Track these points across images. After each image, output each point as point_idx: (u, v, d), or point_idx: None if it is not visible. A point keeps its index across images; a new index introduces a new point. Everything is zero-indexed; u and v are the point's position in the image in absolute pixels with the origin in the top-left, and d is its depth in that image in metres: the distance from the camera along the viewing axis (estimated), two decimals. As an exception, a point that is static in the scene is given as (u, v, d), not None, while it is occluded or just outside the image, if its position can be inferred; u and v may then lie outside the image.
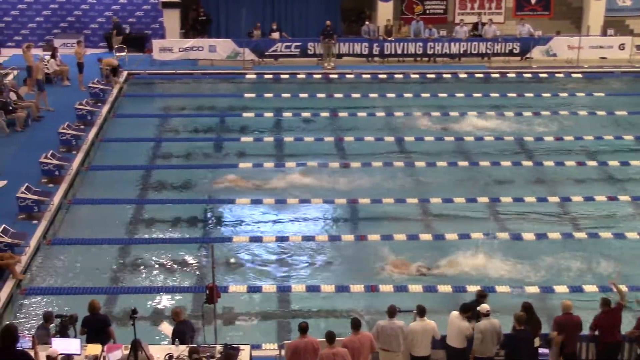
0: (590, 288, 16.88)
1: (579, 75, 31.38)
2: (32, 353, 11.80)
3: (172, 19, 32.99)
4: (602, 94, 29.41)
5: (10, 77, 28.47)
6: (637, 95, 29.92)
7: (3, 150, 22.87)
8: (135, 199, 21.07)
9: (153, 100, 29.45)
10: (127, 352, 12.51)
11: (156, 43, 31.96)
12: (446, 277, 17.42)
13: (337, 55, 32.06)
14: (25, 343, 12.16)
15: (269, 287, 17.02)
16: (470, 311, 13.59)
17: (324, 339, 12.63)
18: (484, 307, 13.53)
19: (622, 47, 32.76)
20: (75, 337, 13.67)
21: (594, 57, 32.63)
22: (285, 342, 13.58)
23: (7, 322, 14.46)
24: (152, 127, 26.08)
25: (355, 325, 13.03)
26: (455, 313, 13.63)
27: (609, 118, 27.06)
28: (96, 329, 13.71)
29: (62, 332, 13.60)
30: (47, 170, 21.51)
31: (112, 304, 16.41)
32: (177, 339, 13.33)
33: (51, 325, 13.80)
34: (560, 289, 16.91)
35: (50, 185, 21.09)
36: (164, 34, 33.29)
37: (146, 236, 19.38)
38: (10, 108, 25.01)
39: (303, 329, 12.93)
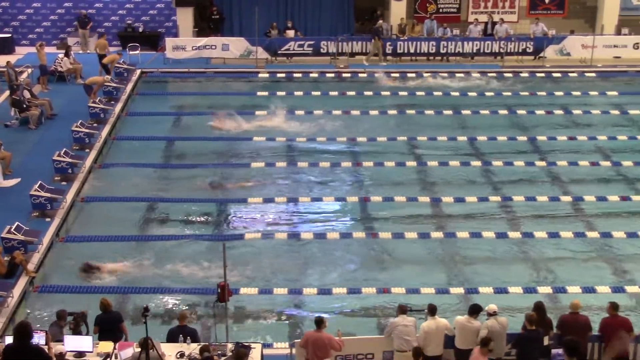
0: (603, 289, 16.88)
1: (593, 75, 31.25)
2: (46, 349, 11.87)
3: (185, 18, 33.07)
4: (616, 93, 29.28)
5: (25, 75, 28.59)
6: (651, 95, 29.86)
7: (17, 148, 22.95)
8: (148, 197, 21.11)
9: (166, 99, 29.50)
10: (138, 349, 12.55)
11: (169, 41, 32.00)
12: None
13: (349, 53, 32.01)
14: (39, 339, 12.22)
15: (280, 290, 17.03)
16: (479, 312, 13.61)
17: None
18: (491, 307, 13.58)
19: (636, 46, 32.55)
20: (87, 334, 13.77)
21: (608, 57, 32.43)
22: (296, 340, 13.67)
23: (22, 319, 14.53)
24: (165, 125, 26.14)
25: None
26: (461, 318, 13.64)
27: (623, 117, 26.95)
28: (109, 327, 13.80)
29: (75, 330, 13.70)
30: (60, 168, 21.60)
31: (124, 303, 16.47)
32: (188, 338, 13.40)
33: (64, 323, 13.89)
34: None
35: (64, 183, 21.19)
36: (177, 33, 33.38)
37: (159, 234, 19.44)
38: (24, 106, 25.14)
39: (317, 323, 13.27)
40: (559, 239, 19.02)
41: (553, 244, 18.92)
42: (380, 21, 32.79)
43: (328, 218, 20.30)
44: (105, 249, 18.50)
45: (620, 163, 23.16)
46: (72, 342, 13.08)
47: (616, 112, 27.38)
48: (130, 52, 32.07)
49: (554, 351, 13.62)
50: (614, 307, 13.73)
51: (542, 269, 17.97)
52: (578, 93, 29.18)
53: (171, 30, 34.42)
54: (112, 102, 27.10)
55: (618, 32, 33.57)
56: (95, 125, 24.85)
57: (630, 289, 16.96)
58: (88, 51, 32.91)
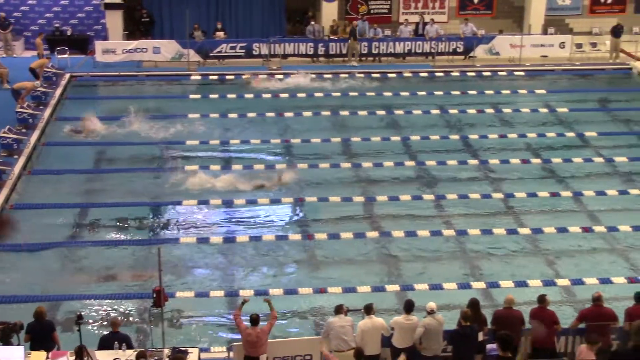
0: (535, 283, 17.21)
1: (521, 73, 31.87)
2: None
3: (114, 21, 32.60)
4: (544, 91, 29.92)
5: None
6: (577, 93, 30.54)
7: (-59, 155, 22.38)
8: (79, 203, 20.78)
9: (96, 103, 29.03)
10: (72, 358, 12.32)
11: (99, 45, 31.53)
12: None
13: (282, 55, 31.99)
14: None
15: (216, 292, 16.93)
16: (414, 307, 13.74)
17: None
18: (430, 305, 13.70)
19: (562, 45, 33.35)
20: (19, 344, 13.44)
21: (535, 56, 33.15)
22: (235, 344, 13.62)
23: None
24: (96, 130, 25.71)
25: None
26: (398, 317, 13.76)
27: (551, 115, 27.55)
28: (41, 336, 13.50)
29: (5, 340, 13.35)
30: (-13, 175, 21.14)
31: (56, 310, 16.14)
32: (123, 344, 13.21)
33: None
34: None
35: (-8, 190, 20.75)
36: (107, 36, 32.88)
37: (91, 240, 19.14)
38: (-51, 112, 24.54)
39: (254, 320, 13.33)
40: (491, 235, 19.35)
41: (486, 240, 19.23)
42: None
43: (263, 220, 20.27)
44: (37, 256, 18.13)
45: (550, 160, 23.64)
46: (2, 353, 12.74)
47: (544, 110, 27.97)
48: (59, 56, 31.49)
49: (488, 346, 13.83)
50: (540, 300, 14.07)
51: (475, 265, 18.26)
52: (507, 92, 29.74)
53: (100, 34, 33.92)
54: (41, 107, 26.56)
55: (544, 32, 34.30)
56: (23, 130, 24.35)
57: (560, 282, 17.37)
58: (14, 55, 32.20)
